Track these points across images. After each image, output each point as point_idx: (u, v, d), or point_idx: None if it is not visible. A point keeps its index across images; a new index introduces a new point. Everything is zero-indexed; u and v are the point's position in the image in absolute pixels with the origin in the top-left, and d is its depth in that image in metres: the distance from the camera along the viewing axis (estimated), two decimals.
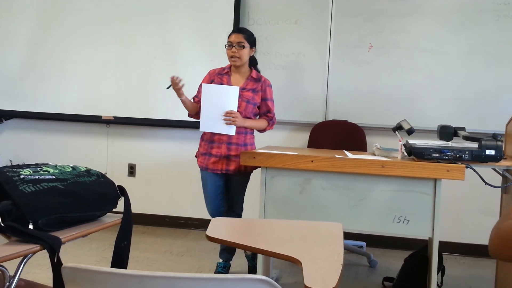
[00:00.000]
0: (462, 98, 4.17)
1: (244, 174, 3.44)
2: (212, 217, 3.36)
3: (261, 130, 3.54)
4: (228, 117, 3.26)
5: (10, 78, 4.87)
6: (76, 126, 4.91)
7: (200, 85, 3.48)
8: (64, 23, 4.77)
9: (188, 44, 4.56)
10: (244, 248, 1.71)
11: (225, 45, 3.39)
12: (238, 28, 3.59)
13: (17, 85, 4.87)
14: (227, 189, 3.53)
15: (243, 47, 3.35)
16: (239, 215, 3.52)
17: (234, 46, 3.34)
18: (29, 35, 4.83)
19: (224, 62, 3.48)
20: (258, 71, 3.53)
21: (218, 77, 3.43)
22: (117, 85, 4.71)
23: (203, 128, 3.33)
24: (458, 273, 3.87)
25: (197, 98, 3.47)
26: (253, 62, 3.51)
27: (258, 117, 3.51)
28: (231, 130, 3.30)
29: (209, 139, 3.42)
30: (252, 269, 3.53)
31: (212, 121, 3.29)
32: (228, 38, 3.40)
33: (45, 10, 4.80)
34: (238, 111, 3.30)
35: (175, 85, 3.28)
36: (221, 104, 3.26)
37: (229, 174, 3.42)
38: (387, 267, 3.90)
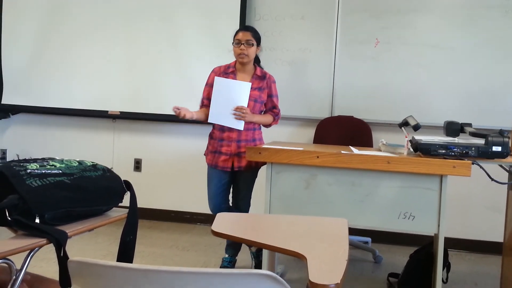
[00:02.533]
0: (469, 94, 4.15)
1: (253, 170, 3.46)
2: (213, 213, 3.39)
3: (267, 125, 3.55)
4: (239, 112, 3.27)
5: (18, 73, 4.89)
6: (82, 121, 4.92)
7: (205, 89, 3.48)
8: (70, 19, 4.78)
9: (194, 40, 4.56)
10: (249, 243, 1.72)
11: (233, 43, 3.39)
12: (245, 26, 3.60)
13: (24, 80, 4.89)
14: (235, 186, 3.54)
15: (252, 45, 3.35)
16: (246, 211, 3.53)
17: (243, 43, 3.34)
18: (36, 31, 4.84)
19: (230, 57, 3.48)
20: (262, 68, 3.54)
21: (223, 75, 3.43)
22: (124, 80, 4.72)
23: (212, 119, 3.34)
24: (464, 269, 3.86)
25: (207, 101, 3.43)
26: (256, 60, 3.51)
27: (263, 112, 3.52)
28: (240, 125, 3.31)
29: (219, 137, 3.42)
30: (257, 266, 3.54)
31: (222, 114, 3.30)
32: (235, 36, 3.38)
33: (52, 5, 4.81)
34: None
35: (178, 115, 3.28)
36: (232, 98, 3.27)
37: (237, 170, 3.42)
38: (393, 263, 3.90)
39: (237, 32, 3.41)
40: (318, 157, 2.94)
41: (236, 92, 3.28)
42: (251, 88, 3.38)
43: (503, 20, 4.08)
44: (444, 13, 4.18)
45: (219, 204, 3.48)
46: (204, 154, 3.55)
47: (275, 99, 3.49)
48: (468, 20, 4.14)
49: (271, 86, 3.47)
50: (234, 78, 3.42)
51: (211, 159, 3.47)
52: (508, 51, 4.09)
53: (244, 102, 3.28)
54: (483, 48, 4.13)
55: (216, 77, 3.37)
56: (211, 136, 3.52)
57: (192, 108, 3.43)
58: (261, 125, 3.53)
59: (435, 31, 4.19)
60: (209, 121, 3.34)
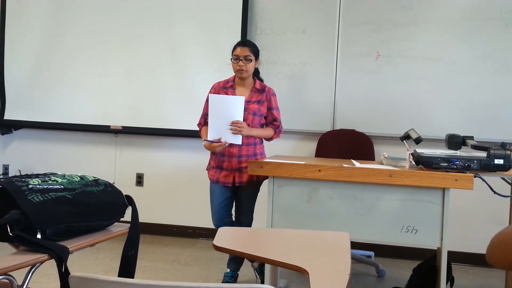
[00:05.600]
0: (470, 106, 4.16)
1: (255, 184, 3.45)
2: (217, 228, 3.37)
3: (268, 139, 3.54)
4: (234, 127, 3.27)
5: (20, 89, 4.91)
6: (84, 135, 4.93)
7: (205, 105, 3.49)
8: (72, 34, 4.81)
9: (195, 54, 4.58)
10: (251, 257, 1.71)
11: (231, 58, 3.40)
12: (243, 41, 3.58)
13: (26, 95, 4.91)
14: (237, 200, 3.53)
15: (250, 60, 3.36)
16: (248, 226, 3.51)
17: (241, 59, 3.35)
18: (38, 46, 4.87)
19: (231, 71, 3.49)
20: (261, 80, 3.54)
21: (223, 90, 3.44)
22: (126, 94, 4.73)
23: (211, 137, 3.34)
24: (467, 283, 3.84)
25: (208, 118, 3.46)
26: (255, 73, 3.52)
27: (264, 126, 3.52)
28: (238, 140, 3.31)
29: (220, 152, 3.42)
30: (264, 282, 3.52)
31: (219, 131, 3.29)
32: (233, 51, 3.39)
33: (53, 21, 4.84)
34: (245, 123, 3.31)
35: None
36: (227, 114, 3.27)
37: (238, 186, 3.42)
38: (396, 277, 3.88)
39: (235, 47, 3.40)
40: (320, 170, 2.93)
41: (231, 107, 3.28)
42: (250, 101, 3.38)
43: (503, 33, 4.09)
44: (445, 26, 4.20)
45: (222, 219, 3.47)
46: (207, 169, 3.55)
47: (275, 112, 3.49)
48: (468, 33, 4.16)
49: (271, 99, 3.47)
50: (233, 93, 3.43)
51: (213, 174, 3.47)
52: (508, 64, 4.10)
53: (239, 116, 3.28)
54: (484, 61, 4.14)
55: (210, 95, 3.37)
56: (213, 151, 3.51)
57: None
58: (262, 139, 3.53)
59: (435, 44, 4.21)
60: (208, 139, 3.34)
